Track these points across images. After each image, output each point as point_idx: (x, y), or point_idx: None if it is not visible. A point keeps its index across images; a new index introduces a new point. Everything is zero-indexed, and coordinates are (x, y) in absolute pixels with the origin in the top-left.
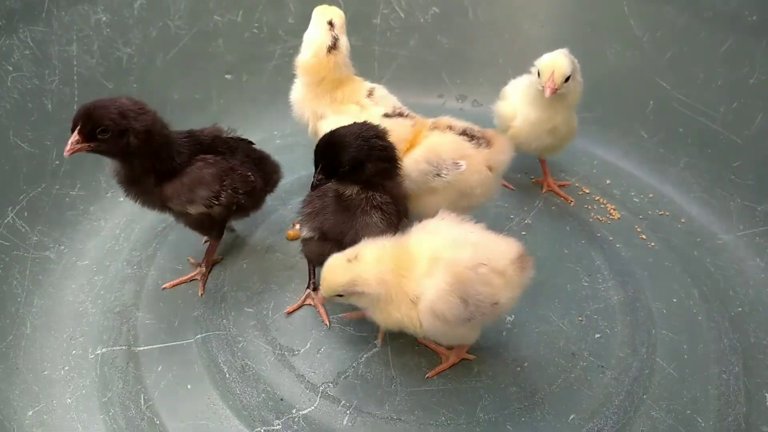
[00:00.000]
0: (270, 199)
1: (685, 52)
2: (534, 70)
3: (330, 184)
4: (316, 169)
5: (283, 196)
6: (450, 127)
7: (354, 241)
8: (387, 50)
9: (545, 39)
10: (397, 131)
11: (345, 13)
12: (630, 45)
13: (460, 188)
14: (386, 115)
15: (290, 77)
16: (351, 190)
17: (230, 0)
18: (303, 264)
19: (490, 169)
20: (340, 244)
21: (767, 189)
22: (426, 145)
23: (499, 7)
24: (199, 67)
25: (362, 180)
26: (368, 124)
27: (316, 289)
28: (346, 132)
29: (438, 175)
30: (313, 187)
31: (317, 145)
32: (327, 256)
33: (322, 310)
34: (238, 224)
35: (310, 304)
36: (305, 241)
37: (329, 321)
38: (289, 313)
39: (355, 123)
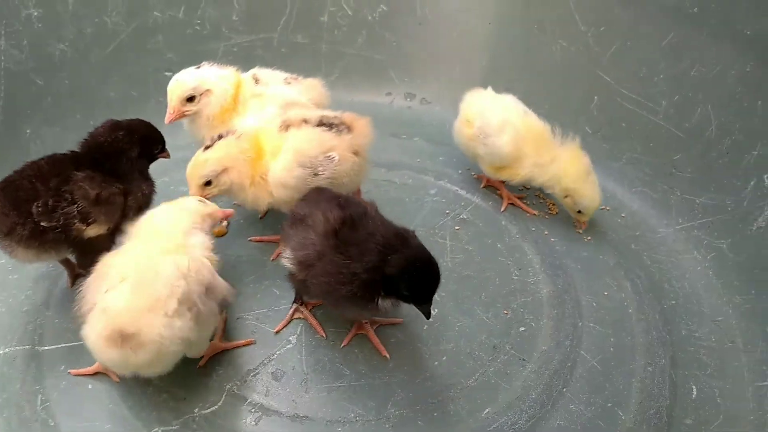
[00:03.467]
0: None
1: (629, 46)
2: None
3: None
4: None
5: None
6: (305, 121)
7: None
8: (334, 48)
9: (493, 36)
10: (217, 157)
11: (291, 10)
12: (575, 41)
13: (332, 180)
14: (207, 147)
15: None
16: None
17: None
18: (224, 263)
19: (356, 153)
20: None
21: (706, 182)
22: (291, 150)
23: (446, 4)
24: (137, 63)
25: None
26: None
27: (303, 303)
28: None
29: (316, 174)
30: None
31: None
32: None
33: (314, 322)
34: None
35: (300, 318)
36: (292, 276)
37: (324, 332)
38: (277, 332)
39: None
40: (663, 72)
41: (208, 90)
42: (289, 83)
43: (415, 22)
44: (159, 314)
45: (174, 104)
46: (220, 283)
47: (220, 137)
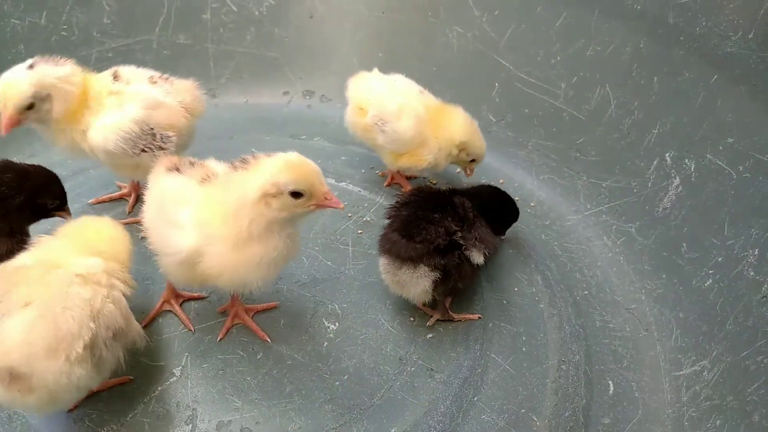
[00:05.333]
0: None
1: (524, 29)
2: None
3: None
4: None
5: (91, 213)
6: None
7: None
8: (222, 48)
9: (387, 26)
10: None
11: (169, 9)
12: (470, 26)
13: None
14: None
15: None
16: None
17: (30, 1)
18: None
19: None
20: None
21: (610, 164)
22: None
23: None
24: None
25: None
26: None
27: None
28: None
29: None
30: None
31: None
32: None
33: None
34: None
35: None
36: (475, 270)
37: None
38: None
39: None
40: (559, 54)
41: (48, 95)
42: (155, 82)
43: (306, 14)
44: (60, 358)
45: (10, 113)
46: (133, 325)
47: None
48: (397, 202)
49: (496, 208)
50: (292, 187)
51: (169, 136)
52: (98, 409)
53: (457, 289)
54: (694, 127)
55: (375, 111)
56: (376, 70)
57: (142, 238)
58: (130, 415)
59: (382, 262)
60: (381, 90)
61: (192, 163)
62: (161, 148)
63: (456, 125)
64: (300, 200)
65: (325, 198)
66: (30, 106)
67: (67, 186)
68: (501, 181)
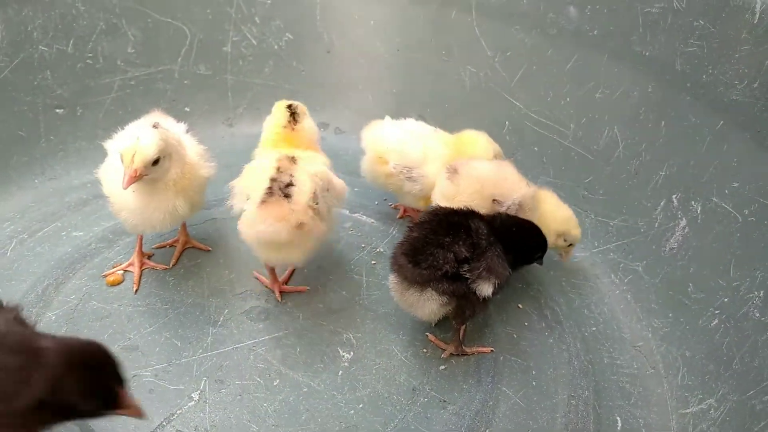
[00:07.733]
0: (93, 241)
1: (534, 71)
2: None
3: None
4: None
5: (110, 237)
6: None
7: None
8: (241, 79)
9: (402, 63)
10: None
11: (191, 40)
12: (483, 66)
13: None
14: None
15: (132, 110)
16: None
17: (58, 29)
18: (119, 312)
19: None
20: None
21: (618, 203)
22: None
23: (353, 32)
24: (23, 101)
25: None
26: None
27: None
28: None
29: None
30: None
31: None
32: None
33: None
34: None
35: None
36: (485, 302)
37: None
38: None
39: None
40: (569, 95)
41: (169, 154)
42: None
43: (323, 50)
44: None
45: (137, 166)
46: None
47: None
48: (411, 221)
49: (517, 236)
50: None
51: None
52: (116, 430)
53: (468, 317)
54: (700, 171)
55: (397, 160)
56: (388, 118)
57: None
58: None
59: (392, 280)
60: (400, 137)
61: None
62: None
63: (479, 152)
64: None
65: None
66: (156, 161)
67: (87, 209)
68: None
